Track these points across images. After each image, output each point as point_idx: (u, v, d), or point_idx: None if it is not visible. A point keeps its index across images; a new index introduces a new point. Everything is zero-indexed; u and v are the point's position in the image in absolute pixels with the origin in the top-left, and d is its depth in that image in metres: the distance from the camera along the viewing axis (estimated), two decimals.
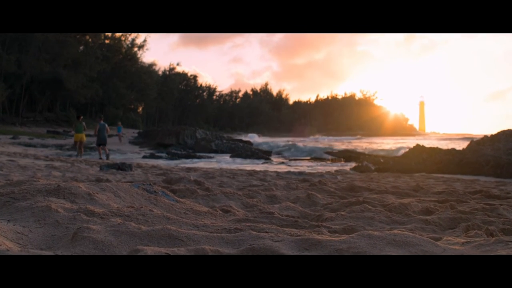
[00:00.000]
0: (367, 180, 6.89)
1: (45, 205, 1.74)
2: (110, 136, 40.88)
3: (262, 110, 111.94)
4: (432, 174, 11.24)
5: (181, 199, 2.61)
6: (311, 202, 3.23)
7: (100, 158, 15.63)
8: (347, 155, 22.36)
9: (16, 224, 1.58)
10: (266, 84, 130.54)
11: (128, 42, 78.51)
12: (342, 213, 2.58)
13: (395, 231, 1.58)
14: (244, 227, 1.79)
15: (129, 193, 2.31)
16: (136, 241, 1.43)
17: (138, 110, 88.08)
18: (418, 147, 14.10)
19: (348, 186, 4.35)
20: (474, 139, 12.82)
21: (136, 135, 41.58)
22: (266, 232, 1.72)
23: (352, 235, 1.52)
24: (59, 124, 55.82)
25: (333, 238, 1.49)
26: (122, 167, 8.36)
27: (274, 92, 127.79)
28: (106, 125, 16.87)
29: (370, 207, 2.72)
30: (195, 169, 9.77)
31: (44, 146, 27.82)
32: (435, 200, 3.37)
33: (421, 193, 4.06)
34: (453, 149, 14.63)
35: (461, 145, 19.48)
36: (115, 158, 18.44)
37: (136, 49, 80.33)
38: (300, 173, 9.25)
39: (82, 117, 19.09)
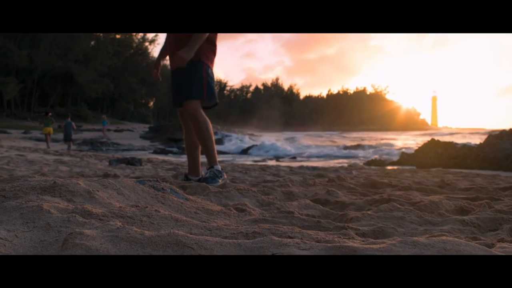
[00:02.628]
0: (384, 175, 6.63)
1: (36, 204, 1.52)
2: (120, 131, 40.80)
3: (273, 105, 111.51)
4: (449, 169, 10.93)
5: (191, 197, 2.38)
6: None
7: (68, 149, 18.27)
8: (361, 149, 22.20)
9: (0, 228, 1.36)
10: (277, 79, 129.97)
11: (139, 37, 78.57)
12: (369, 212, 2.34)
13: (443, 237, 1.34)
14: (263, 230, 1.56)
15: (134, 191, 2.08)
16: (137, 250, 1.21)
17: (149, 105, 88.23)
18: (433, 142, 13.81)
19: (368, 182, 4.10)
20: (493, 133, 12.45)
21: (147, 129, 41.56)
22: (290, 237, 1.49)
23: (393, 242, 1.28)
24: (71, 119, 55.81)
25: (371, 246, 1.25)
26: (131, 161, 8.18)
27: (285, 87, 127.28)
28: (73, 123, 20.40)
29: (398, 205, 2.47)
30: (204, 164, 9.55)
31: (55, 140, 27.78)
32: (465, 197, 3.12)
33: (447, 189, 3.80)
34: (469, 144, 14.30)
35: (475, 140, 19.12)
36: (125, 153, 18.33)
37: (147, 43, 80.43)
38: (314, 168, 9.01)
39: (50, 114, 22.61)
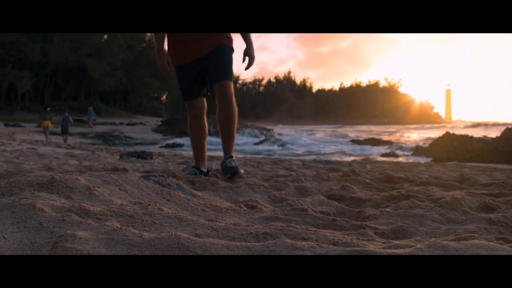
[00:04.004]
0: (399, 169, 6.46)
1: (28, 202, 1.40)
2: (133, 124, 40.90)
3: (286, 98, 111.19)
4: (464, 163, 10.70)
5: (199, 193, 2.26)
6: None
7: (65, 141, 19.37)
8: (374, 143, 22.05)
9: None
10: (289, 72, 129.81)
11: None
12: (387, 209, 2.20)
13: (476, 241, 1.21)
14: (275, 231, 1.43)
15: (138, 187, 1.96)
16: (134, 254, 1.08)
17: (162, 99, 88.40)
18: (448, 135, 13.57)
19: (384, 177, 3.95)
20: (510, 127, 12.17)
21: (160, 123, 41.60)
22: (304, 239, 1.36)
23: (420, 246, 1.15)
24: (84, 113, 56.09)
25: (395, 251, 1.12)
26: (142, 155, 8.09)
27: (298, 80, 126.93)
28: (70, 117, 21.72)
29: (418, 202, 2.33)
30: (218, 158, 9.45)
31: (68, 134, 27.93)
32: (488, 193, 2.96)
33: (467, 184, 3.64)
34: (486, 137, 14.04)
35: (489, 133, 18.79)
36: (137, 147, 18.33)
37: None
38: (327, 161, 8.87)
39: (49, 108, 23.97)
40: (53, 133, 26.76)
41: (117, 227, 1.21)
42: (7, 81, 52.87)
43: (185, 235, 1.17)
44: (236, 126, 3.93)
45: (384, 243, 1.44)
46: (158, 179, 2.10)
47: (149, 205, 1.60)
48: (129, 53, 69.19)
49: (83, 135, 28.91)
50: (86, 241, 1.11)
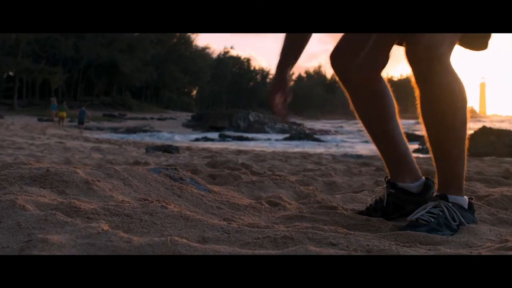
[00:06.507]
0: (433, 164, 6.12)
1: (9, 199, 1.20)
2: (164, 119, 41.21)
3: (316, 93, 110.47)
4: (503, 158, 10.22)
5: (216, 188, 2.03)
6: None
7: (81, 131, 21.61)
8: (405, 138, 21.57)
9: None
10: (320, 67, 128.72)
11: None
12: None
13: None
14: (297, 234, 1.20)
15: (145, 181, 1.74)
16: None
17: (192, 94, 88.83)
18: (484, 129, 13.05)
19: (421, 172, 3.67)
20: None
21: (190, 118, 41.68)
22: (332, 245, 1.12)
23: (485, 253, 0.90)
24: (115, 108, 56.84)
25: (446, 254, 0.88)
26: (168, 149, 7.94)
27: (329, 75, 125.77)
28: (86, 111, 25.10)
29: None
30: (245, 152, 9.24)
31: (99, 129, 28.32)
32: None
33: None
34: None
35: None
36: (165, 141, 18.30)
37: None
38: (358, 156, 8.56)
39: (65, 102, 27.96)
40: (84, 128, 27.14)
41: (102, 230, 0.99)
42: (41, 77, 53.81)
43: (184, 240, 0.95)
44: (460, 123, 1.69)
45: (429, 250, 1.19)
46: (169, 172, 1.88)
47: (152, 202, 1.38)
48: (160, 48, 69.53)
49: (114, 129, 29.11)
50: (60, 248, 0.89)
